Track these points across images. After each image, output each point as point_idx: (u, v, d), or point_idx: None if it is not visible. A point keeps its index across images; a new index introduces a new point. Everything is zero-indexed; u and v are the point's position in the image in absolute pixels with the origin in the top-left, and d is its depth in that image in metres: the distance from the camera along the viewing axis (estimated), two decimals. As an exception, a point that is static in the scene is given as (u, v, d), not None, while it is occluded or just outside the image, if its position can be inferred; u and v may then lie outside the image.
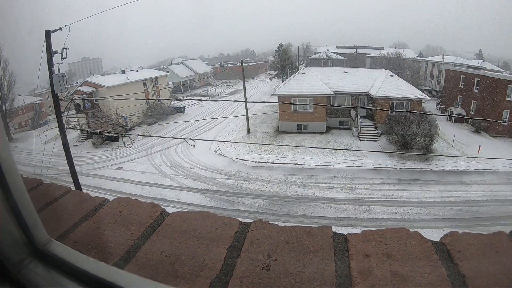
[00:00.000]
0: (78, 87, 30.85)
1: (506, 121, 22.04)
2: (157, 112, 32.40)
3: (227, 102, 34.70)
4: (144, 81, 34.74)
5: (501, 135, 22.11)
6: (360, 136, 22.68)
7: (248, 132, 25.34)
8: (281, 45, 46.64)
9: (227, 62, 73.76)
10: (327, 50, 55.75)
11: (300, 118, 24.33)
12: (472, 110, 26.90)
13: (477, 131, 24.06)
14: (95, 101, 28.98)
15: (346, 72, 27.31)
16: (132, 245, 0.76)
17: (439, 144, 20.43)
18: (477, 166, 17.58)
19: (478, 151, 18.53)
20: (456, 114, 26.64)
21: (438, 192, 15.60)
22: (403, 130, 19.23)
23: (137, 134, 10.21)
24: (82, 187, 10.00)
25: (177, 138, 19.25)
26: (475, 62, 40.73)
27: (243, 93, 25.05)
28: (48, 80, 8.83)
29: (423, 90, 26.56)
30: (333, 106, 21.21)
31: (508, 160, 15.77)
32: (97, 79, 32.57)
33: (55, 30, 8.86)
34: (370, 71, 31.23)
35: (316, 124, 24.21)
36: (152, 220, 0.86)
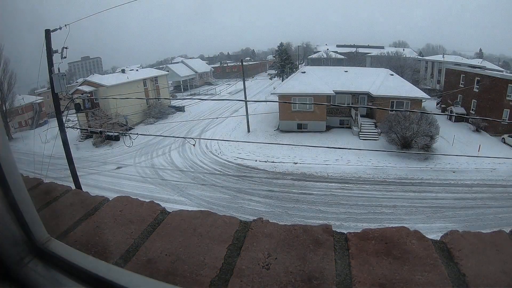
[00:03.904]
0: (78, 86, 30.82)
1: (506, 120, 21.99)
2: (157, 111, 32.40)
3: (227, 101, 34.66)
4: (144, 80, 34.72)
5: (501, 134, 22.10)
6: (360, 135, 22.67)
7: (248, 131, 25.34)
8: (281, 44, 46.62)
9: (227, 61, 73.62)
10: (327, 49, 55.65)
11: (300, 117, 24.32)
12: (472, 109, 26.87)
13: (477, 130, 24.04)
14: (95, 100, 28.97)
15: (346, 71, 27.27)
16: (132, 244, 0.77)
17: (439, 143, 20.43)
18: (477, 165, 17.58)
19: (478, 150, 18.52)
20: (456, 113, 26.60)
21: (438, 191, 15.61)
22: (403, 130, 19.22)
23: (137, 133, 10.20)
24: (82, 186, 10.00)
25: (178, 137, 19.23)
26: (475, 61, 40.63)
27: (243, 92, 25.03)
28: (48, 79, 8.83)
29: (423, 89, 26.52)
30: (333, 105, 21.16)
31: (508, 159, 15.77)
32: (97, 78, 32.53)
33: (55, 30, 8.85)
34: (370, 70, 31.16)
35: (316, 123, 24.19)
36: (152, 219, 0.86)
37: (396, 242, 0.71)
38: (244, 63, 28.10)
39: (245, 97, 25.10)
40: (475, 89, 27.01)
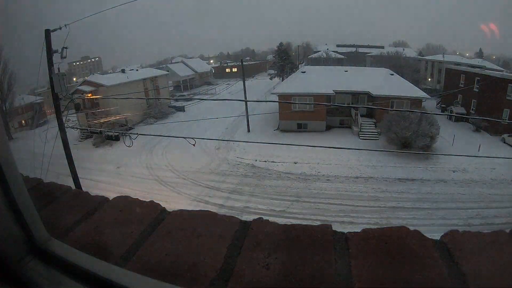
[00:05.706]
0: (78, 86, 30.83)
1: (506, 120, 22.00)
2: (157, 111, 32.37)
3: (227, 101, 34.60)
4: (144, 80, 34.70)
5: (501, 134, 22.11)
6: (360, 135, 22.67)
7: (248, 131, 25.33)
8: (281, 44, 46.56)
9: (227, 61, 73.55)
10: (327, 49, 55.59)
11: (300, 117, 24.31)
12: (472, 109, 26.87)
13: (477, 130, 24.04)
14: (95, 100, 28.95)
15: (346, 71, 27.28)
16: (132, 244, 0.76)
17: (439, 143, 20.43)
18: (477, 165, 17.57)
19: (478, 150, 18.51)
20: (456, 113, 26.60)
21: (438, 190, 15.61)
22: (403, 130, 19.21)
23: (137, 133, 10.21)
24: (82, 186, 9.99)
25: (178, 137, 19.19)
26: (475, 61, 40.65)
27: (243, 92, 24.99)
28: (48, 79, 8.82)
29: (423, 89, 26.55)
30: (333, 105, 21.17)
31: (508, 159, 15.76)
32: (97, 78, 32.53)
33: (55, 30, 8.84)
34: (370, 69, 31.18)
35: (316, 123, 24.19)
36: (152, 218, 0.86)
37: (396, 242, 0.71)
38: (244, 63, 28.05)
39: (245, 97, 25.07)
40: (475, 89, 27.01)
